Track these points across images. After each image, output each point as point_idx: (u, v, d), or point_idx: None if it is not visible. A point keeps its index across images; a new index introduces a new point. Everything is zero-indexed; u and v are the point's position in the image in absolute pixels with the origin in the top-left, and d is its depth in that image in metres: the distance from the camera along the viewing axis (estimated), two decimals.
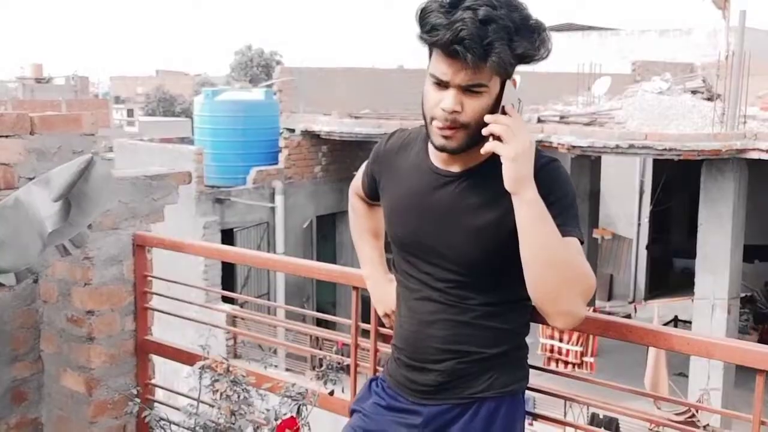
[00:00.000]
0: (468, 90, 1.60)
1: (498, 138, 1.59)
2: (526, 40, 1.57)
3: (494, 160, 1.62)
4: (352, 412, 1.98)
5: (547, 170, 1.69)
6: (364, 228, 2.15)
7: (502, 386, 1.79)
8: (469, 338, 1.76)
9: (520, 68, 1.65)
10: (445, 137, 1.66)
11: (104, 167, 2.11)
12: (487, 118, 1.60)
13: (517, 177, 1.59)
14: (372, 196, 2.02)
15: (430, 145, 1.77)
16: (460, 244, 1.73)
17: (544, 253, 1.61)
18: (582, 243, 1.71)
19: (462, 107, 1.62)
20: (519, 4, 1.59)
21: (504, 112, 1.62)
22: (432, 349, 1.78)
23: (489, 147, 1.60)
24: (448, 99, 1.61)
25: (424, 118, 1.70)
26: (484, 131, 1.60)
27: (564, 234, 1.64)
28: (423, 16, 1.59)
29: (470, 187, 1.72)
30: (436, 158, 1.78)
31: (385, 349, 2.43)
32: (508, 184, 1.60)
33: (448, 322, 1.77)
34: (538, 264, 1.62)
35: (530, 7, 1.61)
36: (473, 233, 1.71)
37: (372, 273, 2.14)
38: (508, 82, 1.63)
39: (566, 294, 1.63)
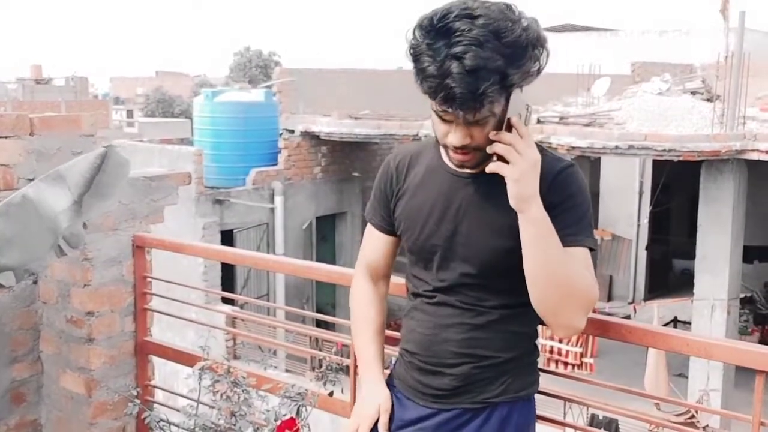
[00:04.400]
0: (473, 123, 1.61)
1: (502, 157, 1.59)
2: (520, 68, 1.54)
3: None
4: None
5: (563, 176, 1.70)
6: (370, 320, 1.98)
7: (515, 391, 1.79)
8: (485, 342, 1.76)
9: None
10: (461, 161, 1.69)
11: (118, 155, 2.13)
12: (492, 135, 1.60)
13: (522, 196, 1.59)
14: (390, 227, 1.92)
15: (443, 150, 1.78)
16: (477, 244, 1.73)
17: (546, 271, 1.62)
18: (594, 250, 1.73)
19: (471, 137, 1.63)
20: (506, 25, 1.51)
21: (509, 126, 1.60)
22: (448, 352, 1.78)
23: (493, 168, 1.61)
24: (454, 136, 1.63)
25: (437, 140, 1.72)
26: (488, 149, 1.61)
27: (575, 243, 1.66)
28: (415, 58, 1.56)
29: (488, 188, 1.72)
30: (453, 161, 1.78)
31: (385, 350, 2.43)
32: (512, 203, 1.61)
33: (464, 325, 1.77)
34: (539, 280, 1.64)
35: (524, 8, 1.57)
36: (490, 233, 1.72)
37: (370, 377, 1.94)
38: (516, 92, 1.62)
39: (566, 308, 1.65)
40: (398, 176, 1.87)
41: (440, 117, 1.63)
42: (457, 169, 1.77)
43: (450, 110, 1.55)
